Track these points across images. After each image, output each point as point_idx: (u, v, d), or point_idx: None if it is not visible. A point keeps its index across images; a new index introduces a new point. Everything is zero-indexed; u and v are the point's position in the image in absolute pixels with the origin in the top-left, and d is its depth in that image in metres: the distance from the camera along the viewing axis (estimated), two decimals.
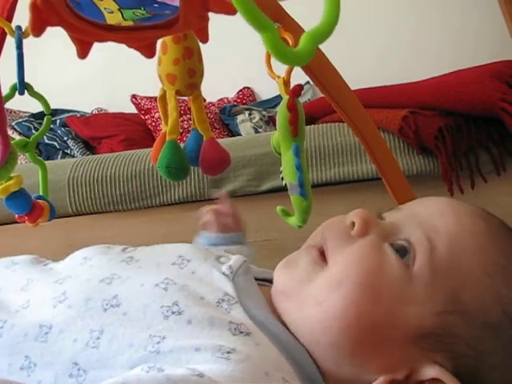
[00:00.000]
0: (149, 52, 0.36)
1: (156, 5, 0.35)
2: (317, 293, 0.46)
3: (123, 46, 0.37)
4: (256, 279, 0.52)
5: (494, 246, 0.45)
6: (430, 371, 0.42)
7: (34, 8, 0.30)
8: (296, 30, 0.59)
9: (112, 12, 0.35)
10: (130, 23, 0.36)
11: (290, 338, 0.45)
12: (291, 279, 0.49)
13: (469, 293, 0.43)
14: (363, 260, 0.45)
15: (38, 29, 0.31)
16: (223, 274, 0.49)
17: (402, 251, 0.45)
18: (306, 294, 0.47)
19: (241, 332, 0.42)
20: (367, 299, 0.43)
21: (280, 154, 0.51)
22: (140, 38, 0.35)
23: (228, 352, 0.38)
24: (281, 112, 0.48)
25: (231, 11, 0.33)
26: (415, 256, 0.44)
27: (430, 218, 0.47)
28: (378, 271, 0.44)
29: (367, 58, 2.31)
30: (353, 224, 0.48)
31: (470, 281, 0.43)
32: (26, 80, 0.50)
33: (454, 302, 0.43)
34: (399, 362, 0.43)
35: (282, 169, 0.51)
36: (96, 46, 0.37)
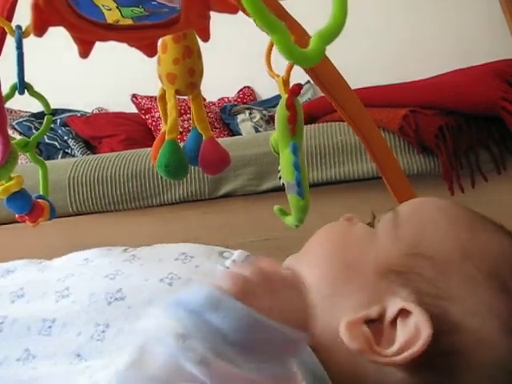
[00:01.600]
0: (150, 51, 0.36)
1: (154, 2, 0.35)
2: (295, 264, 0.51)
3: (124, 46, 0.37)
4: None
5: (455, 210, 0.51)
6: (397, 303, 0.44)
7: (36, 8, 0.30)
8: (297, 29, 0.59)
9: (110, 9, 0.35)
10: (129, 21, 0.37)
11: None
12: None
13: (429, 240, 0.47)
14: (332, 227, 0.53)
15: (40, 29, 0.31)
16: (227, 268, 0.51)
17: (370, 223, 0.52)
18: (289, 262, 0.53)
19: None
20: (334, 245, 0.50)
21: (279, 154, 0.51)
22: (141, 37, 0.35)
23: None
24: (279, 111, 0.49)
25: (233, 10, 0.33)
26: (380, 220, 0.51)
27: (402, 204, 0.54)
28: (344, 231, 0.51)
29: (367, 57, 2.31)
30: None
31: (430, 229, 0.48)
32: (27, 80, 0.50)
33: (416, 247, 0.47)
34: (370, 298, 0.45)
35: (279, 168, 0.51)
36: (97, 45, 0.37)
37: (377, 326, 0.44)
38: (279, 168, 0.51)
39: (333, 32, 0.26)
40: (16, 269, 0.55)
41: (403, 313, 0.43)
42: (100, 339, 0.42)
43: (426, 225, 0.49)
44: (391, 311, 0.44)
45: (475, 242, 0.47)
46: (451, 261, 0.45)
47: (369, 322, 0.44)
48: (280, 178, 0.52)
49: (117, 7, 0.35)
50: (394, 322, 0.44)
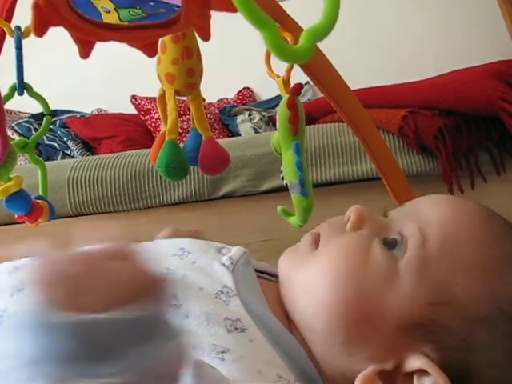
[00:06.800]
0: (150, 51, 0.36)
1: (151, 3, 0.35)
2: (305, 280, 0.47)
3: (124, 46, 0.37)
4: (256, 271, 0.52)
5: (489, 241, 0.45)
6: (415, 361, 0.42)
7: (37, 8, 0.30)
8: (296, 30, 0.59)
9: (108, 11, 0.35)
10: (126, 24, 0.36)
11: (285, 333, 0.46)
12: (287, 266, 0.51)
13: (459, 285, 0.43)
14: (349, 253, 0.46)
15: (40, 29, 0.31)
16: (223, 265, 0.50)
17: (392, 244, 0.45)
18: (297, 279, 0.48)
19: (236, 328, 0.43)
20: (352, 290, 0.44)
21: (280, 154, 0.51)
22: (142, 37, 0.35)
23: (222, 352, 0.39)
24: (281, 111, 0.48)
25: (232, 9, 0.33)
26: (406, 248, 0.44)
27: (426, 212, 0.47)
28: (362, 264, 0.45)
29: (367, 57, 2.31)
30: (349, 218, 0.49)
31: (460, 273, 0.43)
32: (27, 80, 0.50)
33: (444, 294, 0.43)
34: (387, 352, 0.43)
35: (282, 168, 0.51)
36: (96, 46, 0.37)
37: (390, 374, 0.43)
38: (281, 168, 0.51)
39: (323, 30, 0.25)
40: (23, 266, 0.55)
41: (422, 371, 0.42)
42: None
43: (457, 266, 0.43)
44: (409, 366, 0.42)
45: (507, 288, 0.43)
46: (480, 311, 0.42)
47: (382, 372, 0.43)
48: (283, 178, 0.51)
49: (115, 9, 0.35)
50: (409, 374, 0.43)
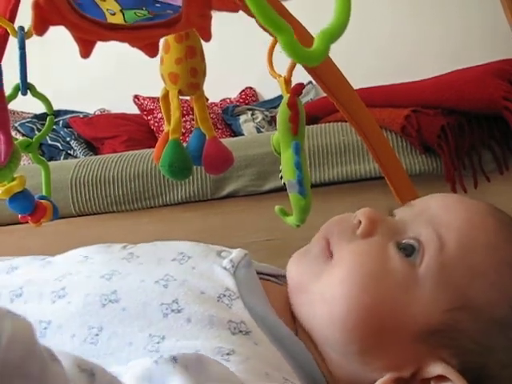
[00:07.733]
0: (151, 51, 0.36)
1: (158, 4, 0.35)
2: (322, 289, 0.46)
3: (126, 46, 0.37)
4: (258, 273, 0.52)
5: (503, 245, 0.45)
6: (436, 368, 0.42)
7: (37, 7, 0.30)
8: (298, 29, 0.59)
9: (114, 14, 0.35)
10: (127, 24, 0.36)
11: (291, 336, 0.45)
12: (300, 273, 0.50)
13: (476, 290, 0.43)
14: (364, 261, 0.45)
15: (40, 28, 0.31)
16: (224, 268, 0.49)
17: (409, 250, 0.45)
18: (312, 289, 0.47)
19: (240, 331, 0.42)
20: (371, 300, 0.43)
21: (279, 154, 0.51)
22: (143, 37, 0.35)
23: (227, 354, 0.39)
24: (281, 110, 0.48)
25: (234, 9, 0.33)
26: (424, 254, 0.44)
27: (441, 215, 0.47)
28: (380, 273, 0.44)
29: (368, 57, 2.31)
30: (360, 223, 0.48)
31: (477, 278, 0.43)
32: (29, 81, 0.50)
33: (461, 299, 0.43)
34: (405, 360, 0.43)
35: (281, 168, 0.51)
36: (98, 45, 0.37)
37: (407, 381, 0.43)
38: (280, 167, 0.51)
39: (337, 31, 0.25)
40: (20, 265, 0.55)
41: (441, 377, 0.42)
42: (93, 342, 0.41)
43: (474, 270, 0.43)
44: (428, 373, 0.42)
45: None
46: (496, 313, 0.43)
47: (399, 379, 0.43)
48: (281, 177, 0.51)
49: (120, 10, 0.35)
50: (426, 380, 0.43)
